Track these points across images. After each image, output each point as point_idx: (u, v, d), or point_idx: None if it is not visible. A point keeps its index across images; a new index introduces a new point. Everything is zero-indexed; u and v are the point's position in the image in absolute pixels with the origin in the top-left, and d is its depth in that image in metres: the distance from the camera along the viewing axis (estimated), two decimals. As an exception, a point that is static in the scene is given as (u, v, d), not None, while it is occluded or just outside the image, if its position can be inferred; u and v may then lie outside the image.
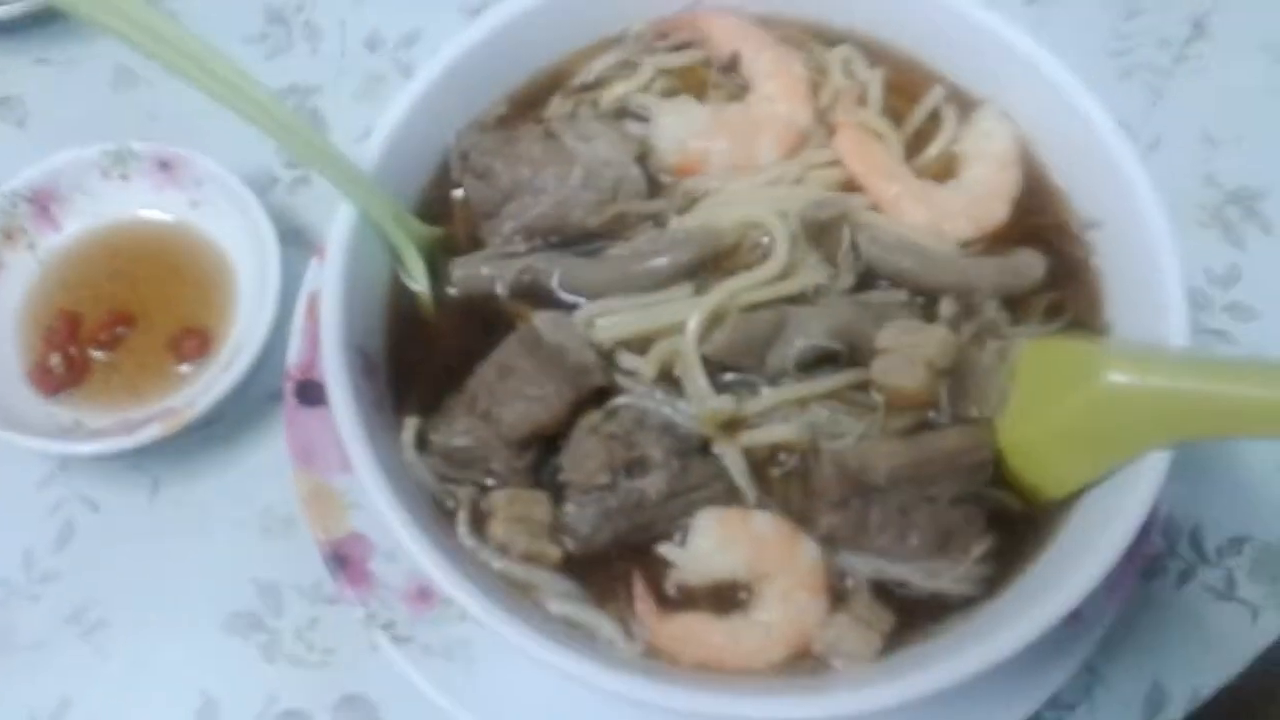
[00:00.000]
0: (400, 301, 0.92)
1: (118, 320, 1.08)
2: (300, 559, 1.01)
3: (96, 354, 1.07)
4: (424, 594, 0.92)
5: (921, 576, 0.82)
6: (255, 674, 0.99)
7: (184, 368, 1.06)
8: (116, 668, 1.00)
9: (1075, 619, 0.83)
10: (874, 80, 1.01)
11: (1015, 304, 0.92)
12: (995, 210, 0.96)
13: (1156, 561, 1.04)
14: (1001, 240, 0.95)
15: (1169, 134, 1.27)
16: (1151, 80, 1.31)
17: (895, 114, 1.00)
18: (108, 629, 1.01)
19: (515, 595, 0.81)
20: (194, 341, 1.07)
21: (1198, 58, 1.33)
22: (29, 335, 1.07)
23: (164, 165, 1.11)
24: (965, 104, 1.01)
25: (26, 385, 1.05)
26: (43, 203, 1.09)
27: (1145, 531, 0.82)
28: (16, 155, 1.13)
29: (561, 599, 0.81)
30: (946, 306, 0.89)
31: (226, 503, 1.05)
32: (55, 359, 1.05)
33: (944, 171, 0.98)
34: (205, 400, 0.99)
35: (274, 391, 1.06)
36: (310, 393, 0.97)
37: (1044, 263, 0.93)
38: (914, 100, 1.01)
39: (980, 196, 0.96)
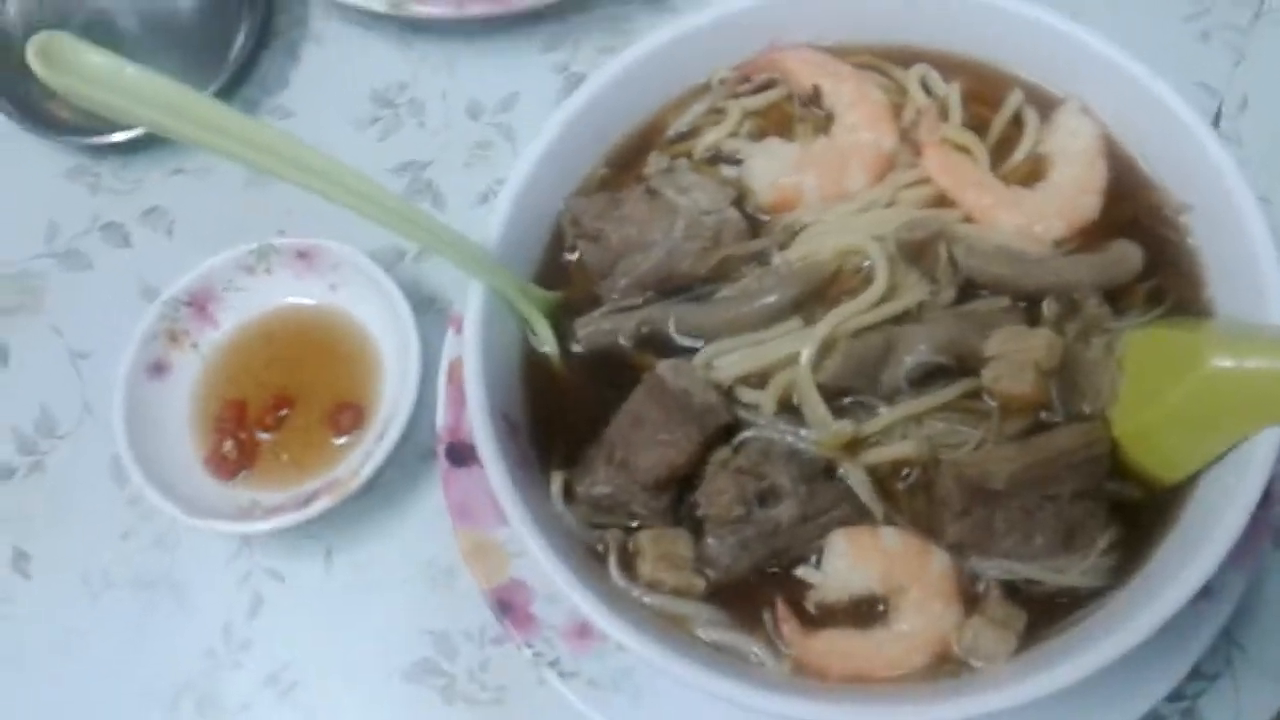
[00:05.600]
0: (533, 364, 0.98)
1: (279, 403, 1.17)
2: (466, 606, 1.09)
3: (263, 436, 1.16)
4: (584, 631, 0.98)
5: (1050, 573, 0.86)
6: (437, 716, 1.07)
7: (342, 440, 1.15)
8: (316, 723, 1.09)
9: (1206, 594, 0.85)
10: (952, 94, 1.04)
11: (1116, 295, 0.94)
12: (1086, 205, 0.98)
13: (1287, 525, 1.05)
14: (1095, 234, 0.98)
15: (1256, 92, 1.27)
16: (1232, 39, 1.30)
17: (978, 123, 1.03)
18: (303, 688, 1.09)
19: (667, 627, 0.87)
20: (349, 415, 1.15)
21: (1277, 10, 1.31)
22: (202, 427, 1.17)
23: (302, 255, 1.20)
24: (1045, 104, 1.03)
25: (205, 473, 1.14)
26: (200, 304, 1.19)
27: (1269, 499, 0.85)
28: (170, 262, 1.23)
29: (710, 626, 0.87)
30: (1049, 308, 0.92)
31: (394, 560, 1.13)
32: (228, 445, 1.14)
33: (1032, 174, 1.01)
34: (366, 469, 1.08)
35: (424, 451, 1.14)
36: (460, 454, 1.04)
37: (1140, 252, 0.95)
38: (994, 106, 1.04)
39: (1070, 194, 0.98)
